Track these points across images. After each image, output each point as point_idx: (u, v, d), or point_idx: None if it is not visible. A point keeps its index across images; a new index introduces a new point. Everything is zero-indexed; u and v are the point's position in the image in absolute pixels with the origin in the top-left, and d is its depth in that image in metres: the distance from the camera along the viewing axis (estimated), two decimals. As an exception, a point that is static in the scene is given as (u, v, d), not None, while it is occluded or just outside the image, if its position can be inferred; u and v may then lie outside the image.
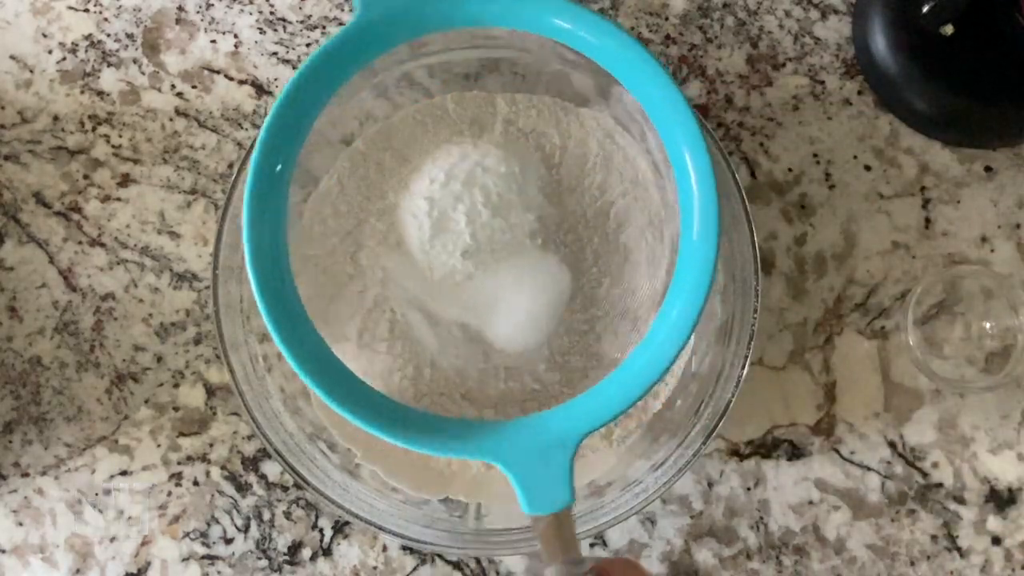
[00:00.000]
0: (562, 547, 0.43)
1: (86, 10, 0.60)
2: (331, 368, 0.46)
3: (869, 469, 0.58)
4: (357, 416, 0.45)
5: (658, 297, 0.53)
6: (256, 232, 0.45)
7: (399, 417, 0.46)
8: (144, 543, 0.57)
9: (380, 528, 0.51)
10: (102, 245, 0.59)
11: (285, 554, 0.57)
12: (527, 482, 0.44)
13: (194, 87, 0.60)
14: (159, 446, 0.58)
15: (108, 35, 0.60)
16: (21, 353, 0.58)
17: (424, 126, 0.54)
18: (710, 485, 0.58)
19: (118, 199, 0.59)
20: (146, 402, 0.58)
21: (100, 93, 0.60)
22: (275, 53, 0.60)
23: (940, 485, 0.58)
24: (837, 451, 0.58)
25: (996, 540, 0.57)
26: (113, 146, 0.59)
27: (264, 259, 0.45)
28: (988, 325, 0.58)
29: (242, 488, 0.58)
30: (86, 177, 0.59)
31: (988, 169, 0.60)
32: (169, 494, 0.58)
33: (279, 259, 0.46)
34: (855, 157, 0.59)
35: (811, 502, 0.58)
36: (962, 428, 0.58)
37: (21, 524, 0.58)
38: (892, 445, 0.58)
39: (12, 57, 0.60)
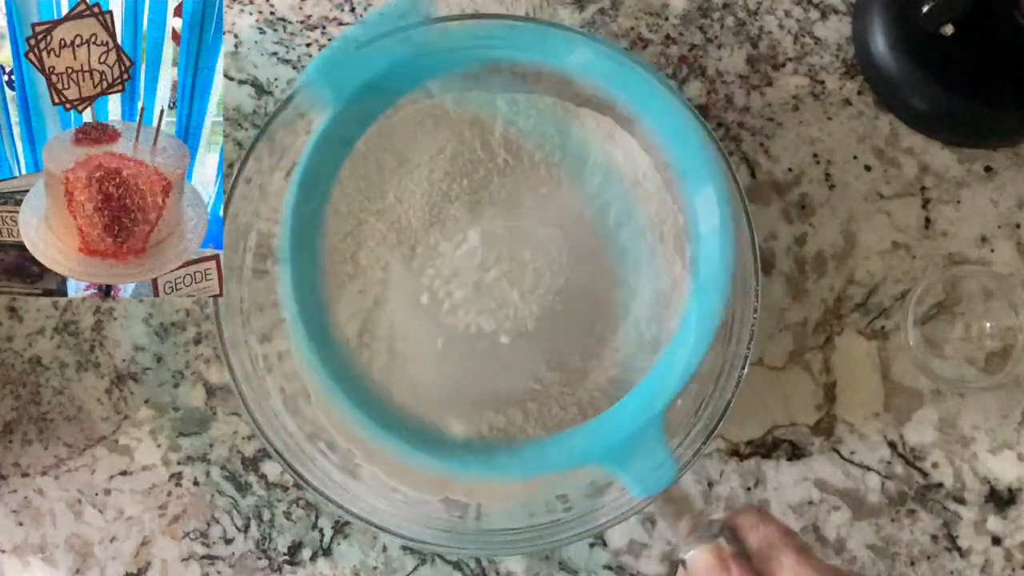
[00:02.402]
0: (686, 516, 0.44)
1: (86, 10, 0.60)
2: (389, 409, 0.46)
3: (869, 469, 0.58)
4: (441, 461, 0.45)
5: (658, 296, 0.53)
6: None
7: (480, 453, 0.47)
8: (144, 543, 0.57)
9: (380, 528, 0.51)
10: (102, 245, 0.59)
11: (285, 554, 0.57)
12: (631, 471, 0.44)
13: (194, 87, 0.60)
14: (159, 446, 0.58)
15: (108, 35, 0.60)
16: (21, 353, 0.58)
17: (424, 126, 0.54)
18: (710, 485, 0.58)
19: (118, 199, 0.59)
20: (146, 402, 0.58)
21: (100, 93, 0.60)
22: (275, 53, 0.60)
23: (940, 485, 0.58)
24: (837, 451, 0.58)
25: (996, 540, 0.57)
26: (113, 146, 0.59)
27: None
28: (988, 325, 0.58)
29: (242, 488, 0.58)
30: (86, 177, 0.59)
31: (988, 169, 0.59)
32: (169, 494, 0.58)
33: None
34: (855, 157, 0.59)
35: (811, 502, 0.58)
36: (962, 428, 0.58)
37: (21, 524, 0.57)
38: (892, 445, 0.58)
39: (12, 57, 0.60)
